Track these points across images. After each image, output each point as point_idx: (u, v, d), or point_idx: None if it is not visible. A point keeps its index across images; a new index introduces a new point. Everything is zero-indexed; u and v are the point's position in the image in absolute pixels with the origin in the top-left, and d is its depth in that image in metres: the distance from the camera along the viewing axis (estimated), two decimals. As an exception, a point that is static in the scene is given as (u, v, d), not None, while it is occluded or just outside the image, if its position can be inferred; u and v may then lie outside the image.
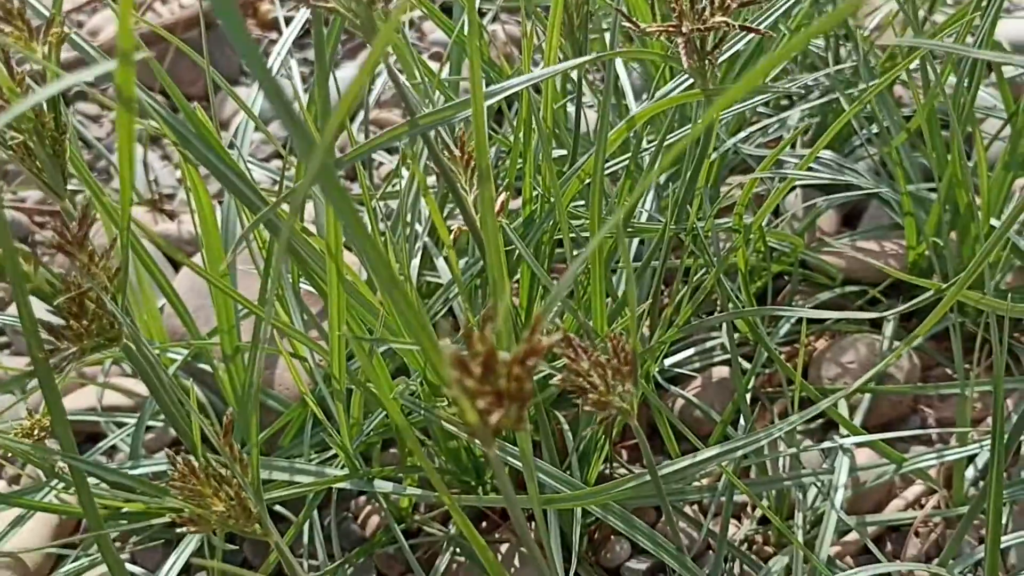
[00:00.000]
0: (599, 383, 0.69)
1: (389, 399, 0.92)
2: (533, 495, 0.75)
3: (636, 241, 1.19)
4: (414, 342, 0.89)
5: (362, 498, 1.16)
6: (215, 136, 0.85)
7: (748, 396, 1.08)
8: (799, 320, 1.23)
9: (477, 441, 0.79)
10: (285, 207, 0.86)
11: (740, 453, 0.87)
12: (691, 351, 1.23)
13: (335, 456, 1.07)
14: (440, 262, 1.07)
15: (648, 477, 0.84)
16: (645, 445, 0.80)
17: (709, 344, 1.23)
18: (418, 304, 0.85)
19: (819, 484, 1.02)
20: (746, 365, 1.18)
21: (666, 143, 1.01)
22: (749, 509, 1.09)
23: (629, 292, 0.80)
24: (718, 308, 1.21)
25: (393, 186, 1.22)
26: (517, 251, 1.04)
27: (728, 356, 1.20)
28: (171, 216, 1.62)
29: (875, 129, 1.34)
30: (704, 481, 1.09)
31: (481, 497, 1.01)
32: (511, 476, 1.03)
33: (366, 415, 1.03)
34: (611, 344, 0.69)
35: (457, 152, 0.85)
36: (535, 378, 0.91)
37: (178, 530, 0.70)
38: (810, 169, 1.20)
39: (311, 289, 1.04)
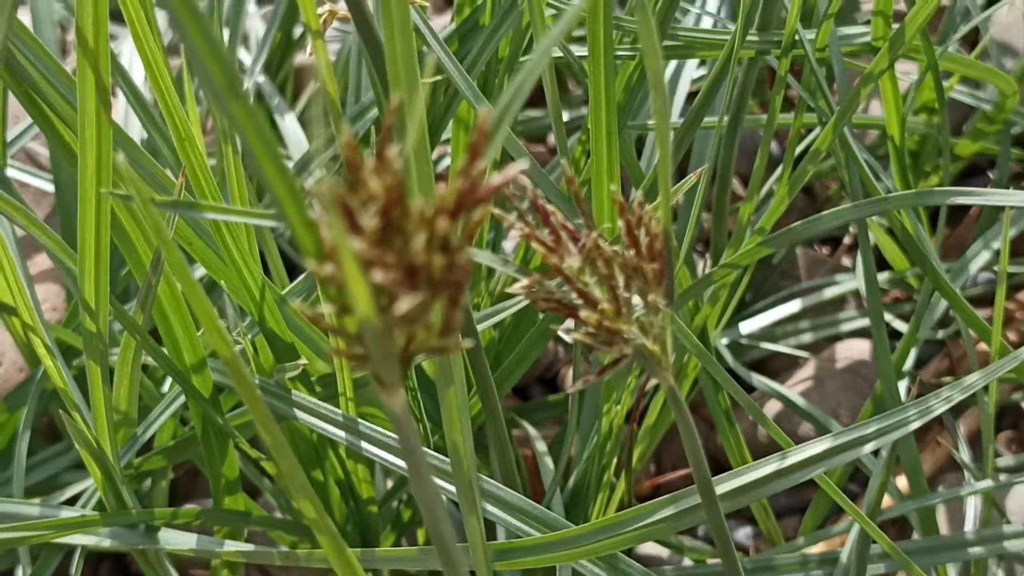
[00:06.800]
0: (600, 293, 0.41)
1: (216, 335, 0.45)
2: (476, 543, 0.50)
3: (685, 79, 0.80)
4: (245, 210, 0.51)
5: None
6: None
7: (906, 393, 0.74)
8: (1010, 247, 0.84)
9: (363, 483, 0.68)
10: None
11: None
12: (792, 306, 0.85)
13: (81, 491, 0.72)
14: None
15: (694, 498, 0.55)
16: (690, 429, 0.43)
17: (827, 293, 0.85)
18: (264, 124, 0.39)
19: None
20: (902, 330, 0.80)
21: None
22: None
23: (660, 144, 0.41)
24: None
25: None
26: (447, 90, 0.72)
27: (864, 321, 0.85)
28: None
29: None
30: (817, 549, 0.72)
31: (374, 551, 0.62)
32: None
33: (145, 408, 0.66)
34: (625, 222, 0.41)
35: None
36: (478, 325, 0.65)
37: None
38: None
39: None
